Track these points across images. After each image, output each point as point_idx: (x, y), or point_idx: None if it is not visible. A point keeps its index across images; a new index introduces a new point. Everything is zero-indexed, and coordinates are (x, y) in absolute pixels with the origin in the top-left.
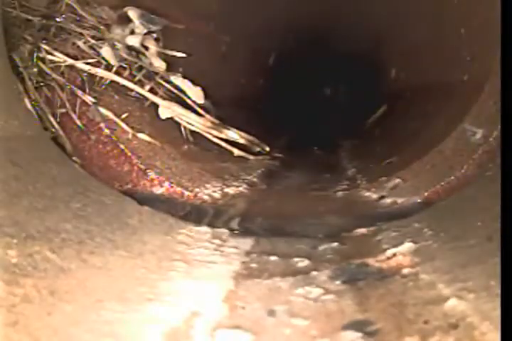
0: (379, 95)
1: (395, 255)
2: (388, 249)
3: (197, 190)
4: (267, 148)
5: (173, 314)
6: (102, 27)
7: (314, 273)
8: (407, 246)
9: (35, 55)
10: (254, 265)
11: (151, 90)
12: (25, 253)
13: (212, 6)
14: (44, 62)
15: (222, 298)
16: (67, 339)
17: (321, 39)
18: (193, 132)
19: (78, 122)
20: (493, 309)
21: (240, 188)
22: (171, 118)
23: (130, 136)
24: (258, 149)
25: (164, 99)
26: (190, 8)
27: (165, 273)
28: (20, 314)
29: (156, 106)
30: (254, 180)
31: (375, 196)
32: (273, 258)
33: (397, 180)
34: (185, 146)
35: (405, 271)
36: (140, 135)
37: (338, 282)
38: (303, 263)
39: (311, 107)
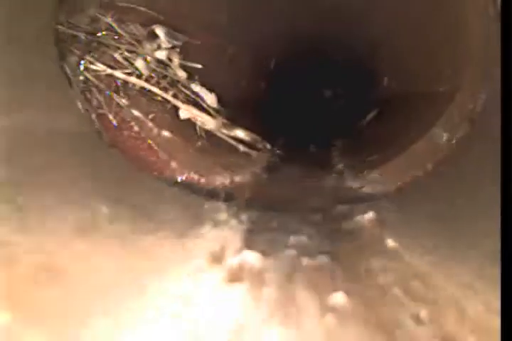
0: (372, 101)
1: (362, 220)
2: (358, 216)
3: (211, 178)
4: (268, 146)
5: (210, 245)
6: (134, 42)
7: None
8: (371, 214)
9: (81, 65)
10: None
11: (174, 95)
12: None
13: (222, 21)
14: (88, 71)
15: (240, 241)
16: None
17: (320, 47)
18: (206, 131)
19: (114, 121)
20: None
21: (245, 177)
22: (189, 119)
23: (155, 132)
24: (260, 146)
25: (184, 102)
26: (203, 24)
27: (197, 227)
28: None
29: (176, 108)
30: (257, 171)
31: (356, 185)
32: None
33: (376, 174)
34: (199, 142)
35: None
36: (163, 132)
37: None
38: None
39: (308, 109)
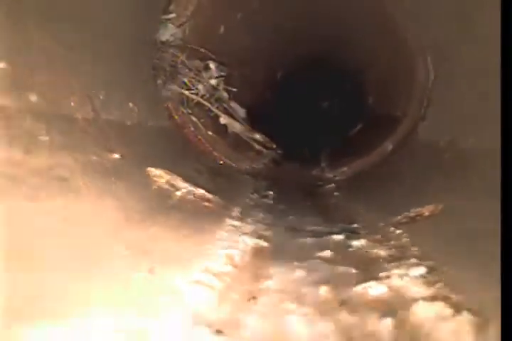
0: (360, 115)
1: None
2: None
3: (237, 163)
4: (274, 146)
5: (247, 188)
6: (197, 72)
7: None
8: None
9: (165, 84)
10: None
11: (217, 108)
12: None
13: (248, 54)
14: (167, 90)
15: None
16: None
17: (319, 62)
18: (235, 133)
19: (178, 121)
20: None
21: (260, 166)
22: (225, 124)
23: (204, 132)
24: (269, 146)
25: (223, 113)
26: (237, 60)
27: (236, 183)
28: None
29: (218, 117)
30: (266, 162)
31: (331, 176)
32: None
33: (345, 168)
34: (230, 140)
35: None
36: (208, 132)
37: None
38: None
39: (306, 117)
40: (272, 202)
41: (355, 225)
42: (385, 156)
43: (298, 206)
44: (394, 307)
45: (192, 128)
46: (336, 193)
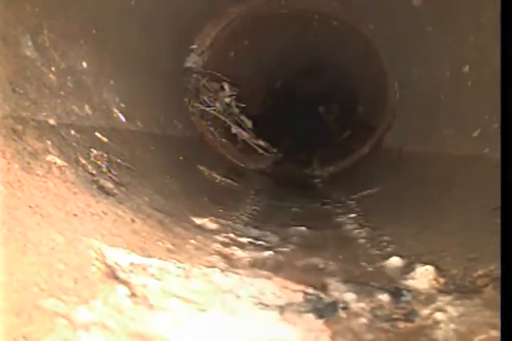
0: (349, 123)
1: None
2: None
3: (246, 164)
4: (275, 150)
5: (256, 183)
6: (214, 92)
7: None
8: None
9: (190, 102)
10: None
11: (230, 120)
12: None
13: (252, 72)
14: (192, 106)
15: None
16: None
17: (315, 73)
18: (243, 140)
19: (200, 131)
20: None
21: (263, 166)
22: (235, 133)
23: (219, 140)
24: (270, 150)
25: (234, 124)
26: (242, 74)
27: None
28: None
29: (230, 127)
30: (269, 164)
31: (319, 173)
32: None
33: (331, 167)
34: (239, 146)
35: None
36: (223, 139)
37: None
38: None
39: (303, 123)
40: (274, 188)
41: (327, 200)
42: (363, 158)
43: (292, 191)
44: None
45: (210, 137)
46: (319, 185)
